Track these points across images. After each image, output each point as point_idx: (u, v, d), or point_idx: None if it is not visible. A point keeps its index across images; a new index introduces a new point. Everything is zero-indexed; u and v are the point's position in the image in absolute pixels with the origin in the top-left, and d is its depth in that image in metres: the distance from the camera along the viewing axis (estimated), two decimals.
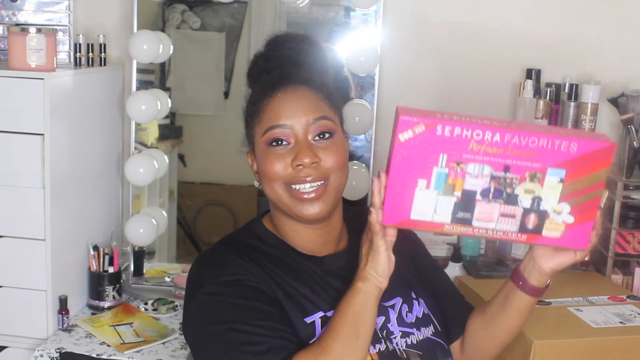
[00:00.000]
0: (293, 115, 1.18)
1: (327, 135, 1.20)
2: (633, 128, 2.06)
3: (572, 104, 2.15)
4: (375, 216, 1.10)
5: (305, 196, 1.18)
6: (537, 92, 2.19)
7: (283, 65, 1.27)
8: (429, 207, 1.10)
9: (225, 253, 1.21)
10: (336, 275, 1.24)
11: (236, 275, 1.16)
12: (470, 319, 1.37)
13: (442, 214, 1.11)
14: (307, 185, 1.18)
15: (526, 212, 1.11)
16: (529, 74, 2.22)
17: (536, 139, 1.08)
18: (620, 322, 1.55)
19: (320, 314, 1.18)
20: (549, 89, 2.19)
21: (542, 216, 1.12)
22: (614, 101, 2.11)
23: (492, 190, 1.10)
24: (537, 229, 1.13)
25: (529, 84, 2.17)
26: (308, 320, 1.17)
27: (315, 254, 1.26)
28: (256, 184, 1.28)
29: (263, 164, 1.20)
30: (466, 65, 2.32)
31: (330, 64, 1.36)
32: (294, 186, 1.18)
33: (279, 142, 1.19)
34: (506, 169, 1.09)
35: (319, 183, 1.19)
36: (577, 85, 2.17)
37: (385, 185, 1.09)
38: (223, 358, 1.11)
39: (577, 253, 1.18)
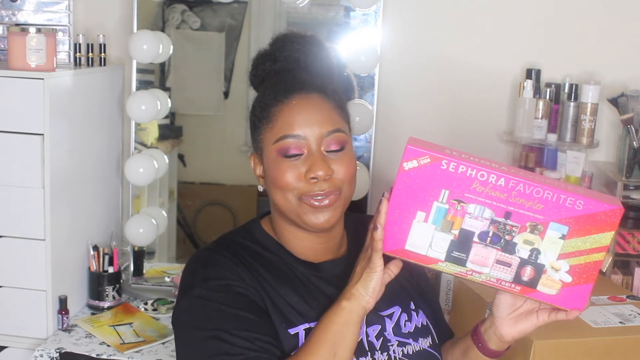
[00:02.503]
0: (307, 126, 1.17)
1: (339, 147, 1.19)
2: (633, 128, 2.06)
3: (572, 104, 2.15)
4: (380, 234, 1.09)
5: (317, 203, 1.17)
6: (537, 92, 2.19)
7: (292, 69, 1.25)
8: (425, 240, 1.09)
9: (219, 255, 1.20)
10: (331, 282, 1.23)
11: (227, 280, 1.16)
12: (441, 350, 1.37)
13: (437, 249, 1.09)
14: (320, 197, 1.17)
15: (523, 262, 1.09)
16: (529, 74, 2.22)
17: (541, 190, 1.05)
18: (620, 322, 1.55)
19: (305, 325, 1.17)
20: (549, 89, 2.19)
21: (539, 270, 1.09)
22: (614, 101, 2.11)
23: (490, 234, 1.07)
24: (532, 283, 1.10)
25: (529, 84, 2.17)
26: (292, 331, 1.16)
27: (313, 261, 1.25)
28: (260, 188, 1.27)
29: (274, 173, 1.18)
30: (466, 65, 2.32)
31: (335, 67, 1.35)
32: (306, 198, 1.18)
33: (292, 153, 1.17)
34: (507, 215, 1.06)
35: (331, 194, 1.18)
36: (577, 85, 2.17)
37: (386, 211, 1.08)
38: None
39: (540, 317, 1.17)
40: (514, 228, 1.07)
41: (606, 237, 1.07)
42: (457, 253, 1.09)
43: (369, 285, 1.12)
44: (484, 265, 1.09)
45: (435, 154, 1.06)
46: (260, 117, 1.21)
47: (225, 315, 1.13)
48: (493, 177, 1.05)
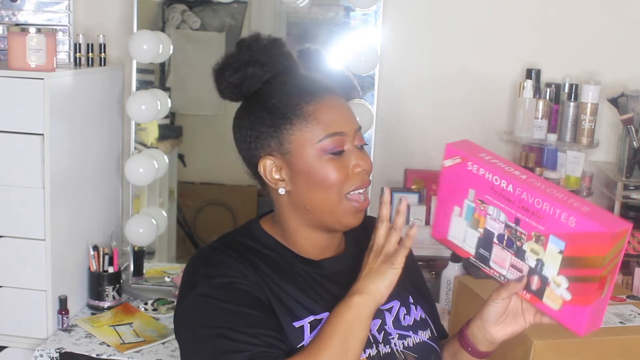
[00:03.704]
0: (346, 122, 1.19)
1: (365, 142, 1.24)
2: (633, 128, 2.06)
3: (572, 104, 2.15)
4: (414, 232, 1.12)
5: (361, 200, 1.20)
6: (537, 92, 2.19)
7: (291, 71, 1.25)
8: (461, 234, 1.16)
9: (221, 253, 1.20)
10: (332, 279, 1.24)
11: (229, 278, 1.16)
12: None
13: (469, 244, 1.16)
14: (362, 190, 1.20)
15: (531, 271, 1.10)
16: (529, 74, 2.22)
17: (541, 200, 1.06)
18: (620, 322, 1.55)
19: (311, 318, 1.17)
20: (549, 89, 2.19)
21: (544, 282, 1.09)
22: (614, 101, 2.11)
23: (505, 238, 1.11)
24: (539, 293, 1.10)
25: (529, 84, 2.17)
26: (297, 324, 1.16)
27: (313, 258, 1.26)
28: (281, 191, 1.22)
29: (321, 172, 1.18)
30: (466, 65, 2.32)
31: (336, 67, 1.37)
32: (352, 193, 1.19)
33: (339, 149, 1.18)
34: (517, 221, 1.09)
35: (367, 188, 1.22)
36: (577, 85, 2.17)
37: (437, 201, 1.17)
38: None
39: (527, 319, 1.18)
40: (522, 235, 1.09)
41: (596, 260, 1.02)
42: (483, 251, 1.15)
43: (386, 282, 1.14)
44: (503, 267, 1.13)
45: (465, 154, 1.13)
46: (289, 117, 1.19)
47: (229, 312, 1.13)
48: (504, 182, 1.09)
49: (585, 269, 1.04)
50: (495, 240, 1.12)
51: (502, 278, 1.13)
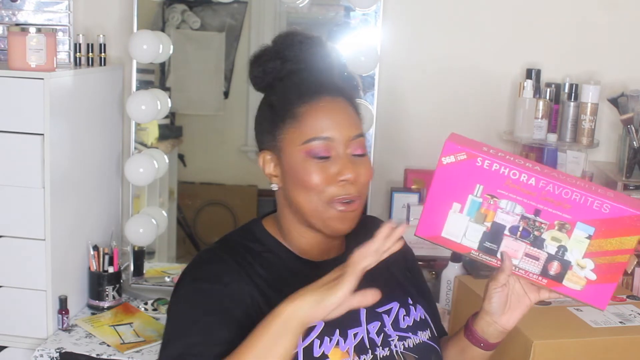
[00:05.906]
0: (336, 128, 1.18)
1: (363, 152, 1.21)
2: (633, 128, 2.06)
3: (572, 104, 2.15)
4: (400, 243, 1.07)
5: (343, 208, 1.18)
6: (537, 92, 2.19)
7: (308, 70, 1.24)
8: (460, 230, 1.15)
9: (217, 258, 1.21)
10: None
11: (212, 284, 1.17)
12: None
13: (470, 239, 1.16)
14: (348, 201, 1.18)
15: (550, 258, 1.14)
16: (529, 74, 2.22)
17: (570, 191, 1.10)
18: (620, 322, 1.55)
19: None
20: (549, 89, 2.19)
21: (565, 266, 1.14)
22: (614, 101, 2.11)
23: (520, 229, 1.13)
24: (559, 277, 1.15)
25: (529, 84, 2.17)
26: None
27: (314, 259, 1.25)
28: (274, 187, 1.25)
29: (302, 174, 1.18)
30: (466, 65, 2.32)
31: (343, 68, 1.35)
32: (335, 203, 1.18)
33: (322, 155, 1.17)
34: (537, 212, 1.12)
35: (355, 200, 1.19)
36: (577, 85, 2.17)
37: (425, 199, 1.16)
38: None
39: (532, 296, 1.20)
40: (542, 225, 1.12)
41: (630, 241, 1.11)
42: (489, 244, 1.15)
43: (333, 298, 1.02)
44: (514, 257, 1.15)
45: (472, 151, 1.13)
46: (283, 116, 1.20)
47: (187, 320, 1.14)
48: (524, 176, 1.11)
49: (617, 250, 1.11)
50: (506, 232, 1.14)
51: (513, 268, 1.16)
